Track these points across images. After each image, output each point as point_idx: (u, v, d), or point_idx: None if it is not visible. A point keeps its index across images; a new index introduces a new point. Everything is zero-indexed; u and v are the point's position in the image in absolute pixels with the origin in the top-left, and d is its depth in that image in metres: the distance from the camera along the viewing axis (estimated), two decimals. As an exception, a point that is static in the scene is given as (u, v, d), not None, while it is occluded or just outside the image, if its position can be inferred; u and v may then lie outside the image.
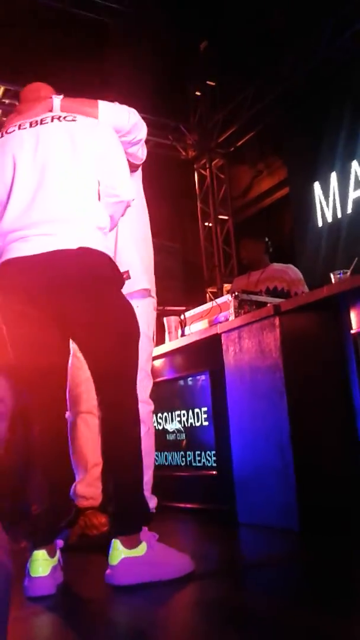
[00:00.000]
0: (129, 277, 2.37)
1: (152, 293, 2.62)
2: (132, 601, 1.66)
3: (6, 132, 2.05)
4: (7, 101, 5.61)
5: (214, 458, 3.10)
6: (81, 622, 1.54)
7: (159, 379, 3.60)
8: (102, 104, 2.15)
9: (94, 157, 1.99)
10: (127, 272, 2.38)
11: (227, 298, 3.20)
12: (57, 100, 2.14)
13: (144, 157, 2.44)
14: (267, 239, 4.25)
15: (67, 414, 2.64)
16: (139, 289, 2.50)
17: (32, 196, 1.90)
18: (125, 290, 2.06)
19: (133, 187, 2.07)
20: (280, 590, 1.69)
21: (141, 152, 2.39)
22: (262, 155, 6.55)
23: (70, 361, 2.66)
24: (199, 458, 3.24)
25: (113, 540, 1.78)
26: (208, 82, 7.00)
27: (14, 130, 2.03)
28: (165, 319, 3.62)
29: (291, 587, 1.73)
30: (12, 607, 1.67)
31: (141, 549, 1.76)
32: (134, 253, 2.54)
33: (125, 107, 2.23)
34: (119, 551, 1.75)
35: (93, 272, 1.89)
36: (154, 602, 1.63)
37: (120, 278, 1.98)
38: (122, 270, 2.08)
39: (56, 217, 1.88)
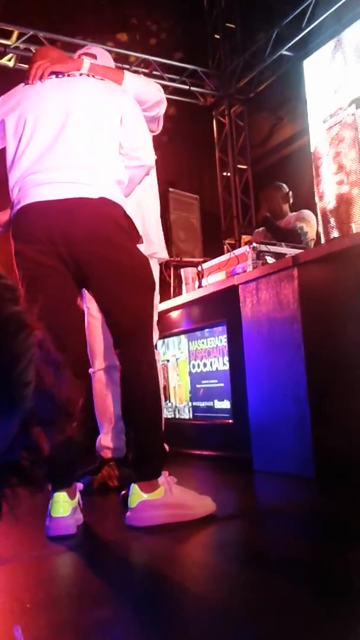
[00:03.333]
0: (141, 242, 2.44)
1: (156, 255, 2.74)
2: (150, 542, 1.72)
3: (31, 83, 2.04)
4: (22, 46, 5.47)
5: (230, 407, 3.14)
6: (102, 562, 1.60)
7: (176, 330, 3.62)
8: (128, 74, 2.19)
9: (118, 118, 2.00)
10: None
11: (245, 249, 3.18)
12: (87, 61, 2.14)
13: (159, 130, 2.50)
14: (287, 189, 4.17)
15: (90, 370, 2.71)
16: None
17: (52, 140, 1.89)
18: None
19: (153, 155, 2.08)
20: (297, 533, 1.73)
21: (157, 126, 2.45)
22: (283, 102, 6.36)
23: (87, 319, 2.71)
24: (215, 407, 3.28)
25: (132, 484, 1.84)
26: (228, 25, 6.76)
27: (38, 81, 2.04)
28: (182, 270, 3.62)
29: (307, 530, 1.78)
30: (34, 546, 1.74)
31: (159, 493, 1.83)
32: (142, 222, 2.61)
33: (152, 82, 2.32)
34: (137, 494, 1.82)
35: (113, 223, 1.90)
36: (171, 543, 1.69)
37: (135, 231, 1.99)
38: None
39: (77, 164, 1.88)
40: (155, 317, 2.71)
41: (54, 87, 2.01)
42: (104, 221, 1.88)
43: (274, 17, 5.85)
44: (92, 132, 1.94)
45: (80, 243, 1.85)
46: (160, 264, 2.93)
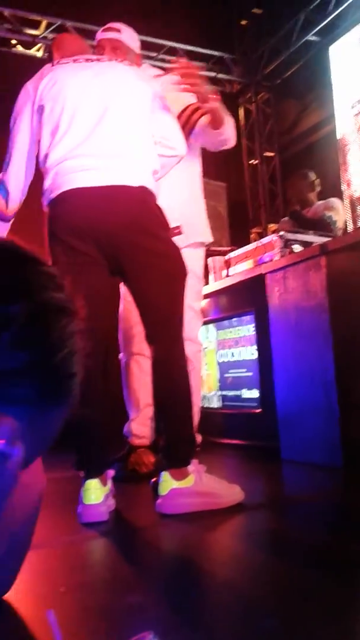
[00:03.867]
0: (180, 233, 2.43)
1: (206, 242, 2.79)
2: (180, 529, 1.75)
3: (58, 63, 2.05)
4: (50, 36, 5.49)
5: (258, 396, 3.15)
6: (133, 548, 1.63)
7: (204, 319, 3.63)
8: (230, 122, 2.51)
9: (149, 105, 2.01)
10: (179, 227, 2.47)
11: (272, 238, 3.17)
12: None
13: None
14: (313, 176, 4.13)
15: (121, 355, 2.73)
16: (192, 242, 2.60)
17: (91, 128, 1.90)
18: (181, 243, 2.14)
19: (185, 144, 2.12)
20: (323, 523, 1.74)
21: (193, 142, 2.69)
22: (310, 88, 6.28)
23: (122, 304, 2.73)
24: (243, 396, 3.29)
25: (163, 472, 1.87)
26: (254, 10, 6.68)
27: (68, 62, 2.04)
28: (209, 260, 3.62)
29: (333, 520, 1.78)
30: (67, 532, 1.78)
31: (189, 480, 1.85)
32: (190, 210, 2.61)
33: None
34: (168, 482, 1.84)
35: (151, 212, 1.92)
36: (200, 530, 1.71)
37: (167, 221, 2.01)
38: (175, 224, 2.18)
39: (117, 152, 1.90)
40: (199, 305, 2.70)
41: (89, 72, 2.00)
42: (144, 210, 1.90)
43: (300, 2, 5.76)
44: (130, 121, 1.95)
45: (121, 231, 1.87)
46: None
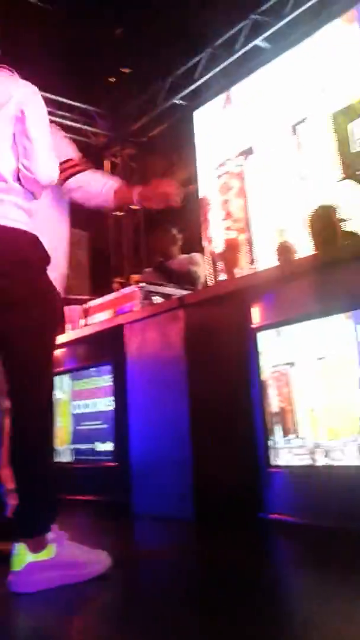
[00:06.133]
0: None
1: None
2: (35, 609, 1.51)
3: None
4: None
5: (112, 449, 3.05)
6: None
7: (59, 369, 3.50)
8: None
9: (11, 125, 1.81)
10: None
11: (133, 289, 3.16)
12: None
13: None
14: (175, 231, 4.25)
15: None
16: None
17: None
18: None
19: (54, 168, 1.87)
20: (175, 585, 1.65)
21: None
22: (176, 148, 6.54)
23: None
24: (97, 449, 3.18)
25: (16, 544, 1.62)
26: (122, 69, 6.89)
27: None
28: (67, 309, 3.52)
29: (187, 573, 1.74)
30: None
31: (49, 551, 1.62)
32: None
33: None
34: (23, 555, 1.60)
35: (14, 254, 1.73)
36: (57, 608, 1.51)
37: (45, 257, 1.82)
38: None
39: None
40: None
41: None
42: (5, 252, 1.71)
43: (167, 66, 6.04)
44: None
45: None
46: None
